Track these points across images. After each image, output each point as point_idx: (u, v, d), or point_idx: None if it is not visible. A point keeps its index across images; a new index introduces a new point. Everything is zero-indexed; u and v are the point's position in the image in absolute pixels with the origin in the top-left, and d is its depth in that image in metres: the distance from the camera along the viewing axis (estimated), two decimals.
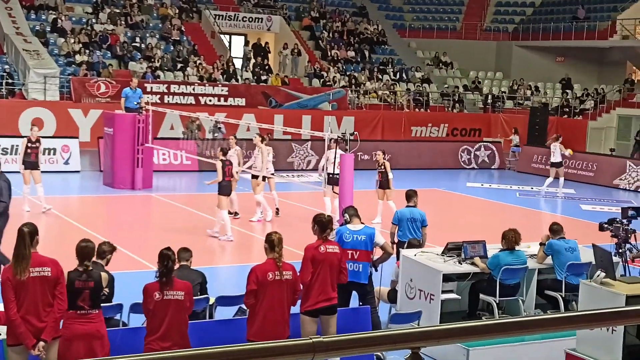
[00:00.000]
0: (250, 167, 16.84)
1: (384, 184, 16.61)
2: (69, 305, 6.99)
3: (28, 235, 6.80)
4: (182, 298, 7.19)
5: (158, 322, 7.20)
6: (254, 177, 16.54)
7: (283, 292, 7.55)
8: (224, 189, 14.95)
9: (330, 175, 15.47)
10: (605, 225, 11.09)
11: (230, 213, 16.84)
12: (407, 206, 11.74)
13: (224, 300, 9.22)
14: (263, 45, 34.32)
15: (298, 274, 7.87)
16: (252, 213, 16.79)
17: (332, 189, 15.64)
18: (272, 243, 7.60)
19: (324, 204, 16.03)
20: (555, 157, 22.00)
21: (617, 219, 11.14)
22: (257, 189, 16.39)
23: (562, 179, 22.12)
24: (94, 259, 7.42)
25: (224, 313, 9.40)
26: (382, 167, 16.63)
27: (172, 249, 7.52)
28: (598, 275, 8.30)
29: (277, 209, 17.06)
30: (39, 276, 6.81)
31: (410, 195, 11.88)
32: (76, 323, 6.99)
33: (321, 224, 8.23)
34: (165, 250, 7.39)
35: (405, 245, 11.13)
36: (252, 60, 33.57)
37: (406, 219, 11.48)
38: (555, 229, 10.31)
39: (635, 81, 36.74)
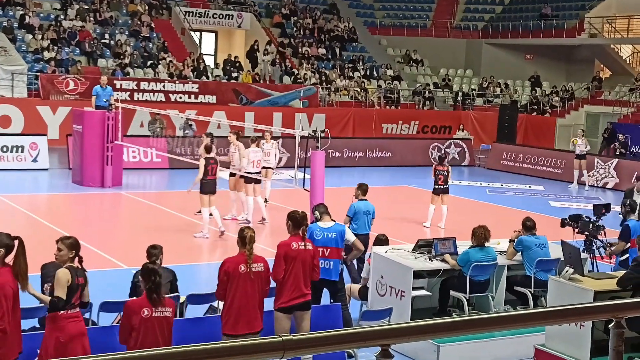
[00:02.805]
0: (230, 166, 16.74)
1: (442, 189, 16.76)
2: (66, 303, 6.70)
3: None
4: (170, 314, 6.93)
5: (147, 340, 6.77)
6: (232, 175, 16.45)
7: (255, 285, 7.59)
8: (207, 187, 14.75)
9: (248, 173, 15.72)
10: (567, 221, 11.13)
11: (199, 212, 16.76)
12: (362, 199, 11.88)
13: (194, 299, 9.18)
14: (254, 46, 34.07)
15: (271, 269, 7.92)
16: (228, 211, 16.71)
17: (254, 187, 15.97)
18: (244, 240, 7.61)
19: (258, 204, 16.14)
20: (581, 150, 23.90)
21: (584, 216, 11.21)
22: (241, 187, 16.30)
23: (585, 172, 23.97)
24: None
25: (195, 311, 9.37)
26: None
27: (156, 262, 7.13)
28: (567, 271, 8.38)
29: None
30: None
31: (365, 189, 12.03)
32: (70, 323, 6.75)
33: (295, 220, 8.23)
34: (150, 264, 7.08)
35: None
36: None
37: (362, 212, 11.60)
38: (529, 225, 10.38)
39: (603, 79, 37.12)
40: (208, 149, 14.97)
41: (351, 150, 27.20)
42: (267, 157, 17.27)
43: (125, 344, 6.85)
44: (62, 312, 6.71)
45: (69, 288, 6.68)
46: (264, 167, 17.00)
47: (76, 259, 6.92)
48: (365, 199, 11.88)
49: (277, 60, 33.58)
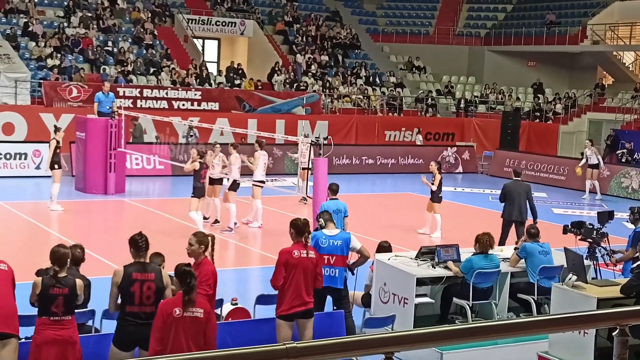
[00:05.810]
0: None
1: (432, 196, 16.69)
2: (42, 311, 6.96)
3: None
4: (202, 316, 6.78)
5: (177, 341, 6.67)
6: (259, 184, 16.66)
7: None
8: (200, 190, 15.19)
9: (235, 181, 15.85)
10: (569, 228, 11.09)
11: (205, 218, 16.79)
12: (332, 199, 12.19)
13: None
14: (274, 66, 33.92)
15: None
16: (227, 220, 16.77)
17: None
18: (299, 229, 8.16)
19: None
20: (592, 160, 23.35)
21: (587, 223, 11.16)
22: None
23: (596, 182, 23.25)
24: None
25: None
26: (433, 178, 16.64)
27: (190, 265, 7.05)
28: (570, 279, 8.36)
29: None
30: None
31: (335, 189, 12.36)
32: (48, 329, 6.94)
33: (297, 227, 8.23)
34: (185, 266, 7.00)
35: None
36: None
37: (332, 210, 11.64)
38: (533, 233, 10.38)
39: (606, 86, 37.12)
40: (201, 154, 15.25)
41: (356, 156, 27.21)
42: (303, 159, 18.38)
43: (156, 343, 6.74)
44: (43, 317, 6.96)
45: (43, 297, 6.95)
46: (302, 169, 18.45)
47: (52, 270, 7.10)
48: (336, 198, 12.22)
49: (288, 81, 33.46)
